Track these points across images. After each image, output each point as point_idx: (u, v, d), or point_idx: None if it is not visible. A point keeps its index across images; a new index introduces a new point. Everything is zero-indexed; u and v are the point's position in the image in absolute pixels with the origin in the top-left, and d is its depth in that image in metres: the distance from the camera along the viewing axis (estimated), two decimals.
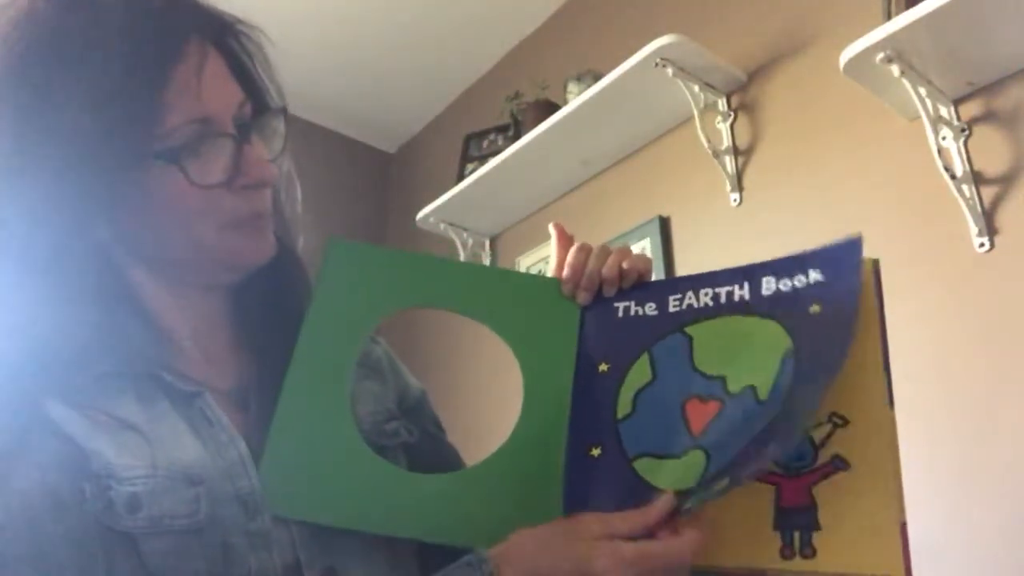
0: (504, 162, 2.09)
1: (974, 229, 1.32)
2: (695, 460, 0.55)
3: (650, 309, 0.64)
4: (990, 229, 1.31)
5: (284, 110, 0.64)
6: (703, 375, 0.59)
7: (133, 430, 0.53)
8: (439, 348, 2.42)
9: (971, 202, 1.32)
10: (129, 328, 0.58)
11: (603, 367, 0.62)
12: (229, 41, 0.62)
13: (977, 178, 1.35)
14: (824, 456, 0.55)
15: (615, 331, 0.64)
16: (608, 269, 0.65)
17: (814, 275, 0.60)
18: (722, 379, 0.58)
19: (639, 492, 0.55)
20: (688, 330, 0.61)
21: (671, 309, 0.63)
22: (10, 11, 0.55)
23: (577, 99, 1.88)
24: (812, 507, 0.54)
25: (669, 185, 1.90)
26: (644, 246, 1.88)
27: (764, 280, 0.62)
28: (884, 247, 1.43)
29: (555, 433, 0.60)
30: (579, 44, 2.30)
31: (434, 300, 0.67)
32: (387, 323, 0.68)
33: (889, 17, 1.32)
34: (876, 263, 0.60)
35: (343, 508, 0.57)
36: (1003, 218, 1.31)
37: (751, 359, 0.58)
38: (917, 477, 1.31)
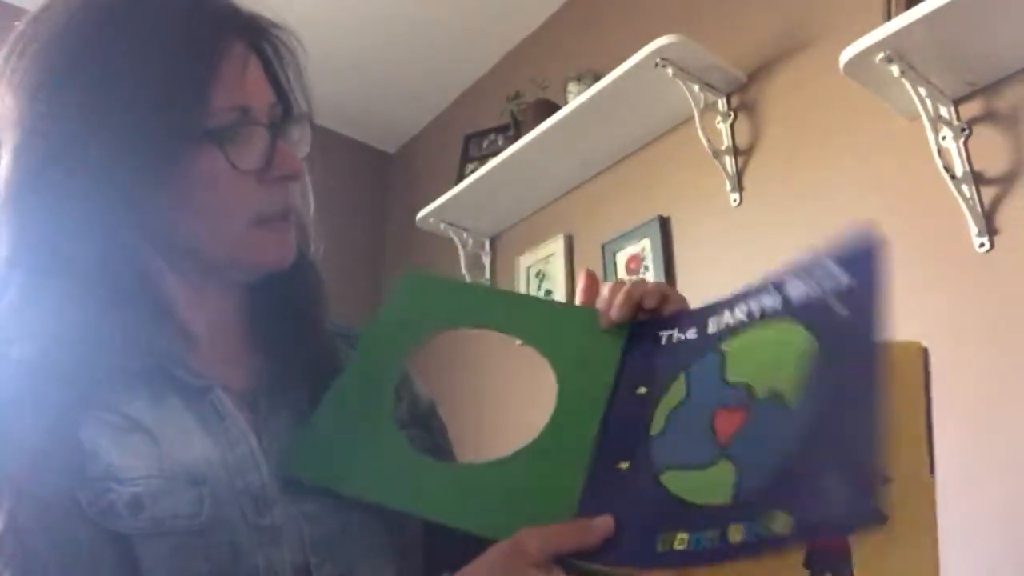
0: (504, 162, 2.08)
1: (974, 229, 1.31)
2: (722, 471, 0.53)
3: (691, 334, 0.64)
4: (990, 229, 1.31)
5: (309, 117, 0.66)
6: (731, 385, 0.58)
7: (140, 428, 0.53)
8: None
9: (971, 202, 1.32)
10: (144, 321, 0.57)
11: (642, 390, 0.62)
12: (264, 44, 0.64)
13: (977, 178, 1.35)
14: None
15: (656, 357, 0.64)
16: (649, 296, 0.65)
17: (843, 278, 0.60)
18: (748, 387, 0.57)
19: (661, 503, 0.53)
20: (722, 346, 0.61)
21: (710, 331, 0.63)
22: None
23: (577, 99, 1.88)
24: (847, 552, 0.53)
25: (669, 185, 1.90)
26: (644, 246, 1.88)
27: (792, 287, 0.61)
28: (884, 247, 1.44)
29: (581, 445, 0.59)
30: (579, 44, 2.30)
31: (483, 322, 0.72)
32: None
33: (889, 17, 1.32)
34: (926, 352, 0.62)
35: (363, 480, 0.60)
36: (1003, 218, 1.31)
37: (777, 366, 0.57)
38: None
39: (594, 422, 0.61)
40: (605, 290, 0.67)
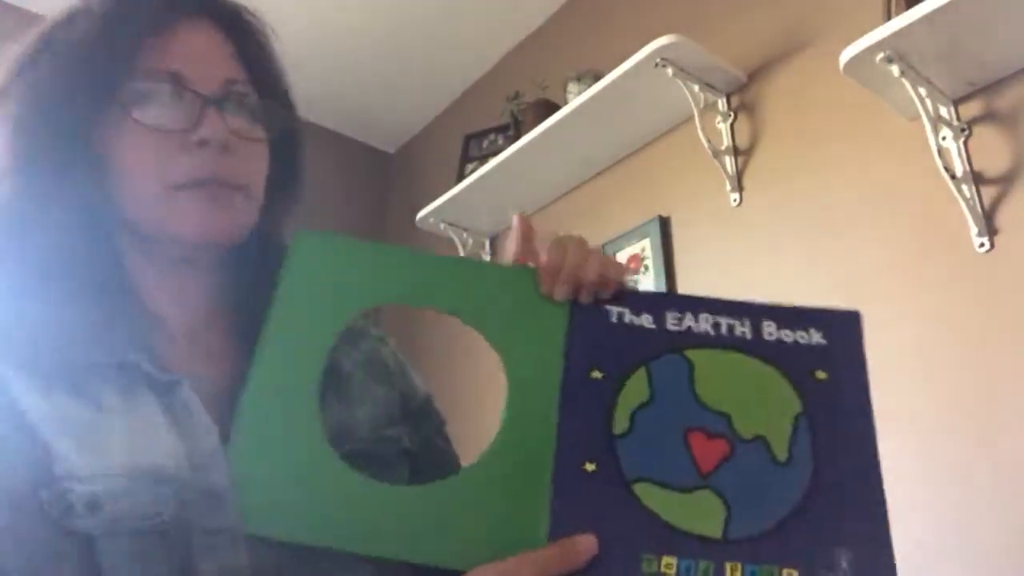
0: (504, 162, 2.09)
1: (974, 229, 1.32)
2: (711, 504, 0.53)
3: (647, 321, 0.61)
4: (990, 229, 1.31)
5: (274, 98, 0.66)
6: (705, 407, 0.57)
7: (105, 426, 0.53)
8: (442, 347, 2.42)
9: (971, 202, 1.32)
10: (118, 314, 0.57)
11: (596, 374, 0.59)
12: (236, 29, 0.66)
13: (977, 178, 1.35)
14: None
15: (609, 337, 0.60)
16: (590, 272, 0.60)
17: (816, 336, 0.60)
18: (727, 417, 0.56)
19: (643, 521, 0.52)
20: (688, 354, 0.59)
21: (670, 327, 0.61)
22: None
23: (577, 99, 1.88)
24: None
25: (669, 185, 1.90)
26: (644, 246, 1.88)
27: (765, 324, 0.61)
28: (884, 247, 1.44)
29: (542, 442, 0.56)
30: (579, 44, 2.30)
31: (410, 296, 0.63)
32: (393, 323, 0.67)
33: (889, 17, 1.32)
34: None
35: (316, 524, 0.53)
36: (1003, 218, 1.31)
37: (757, 404, 0.57)
38: (916, 478, 1.32)
39: (551, 411, 0.57)
40: (543, 254, 0.61)
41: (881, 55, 1.31)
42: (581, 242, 0.62)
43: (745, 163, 1.75)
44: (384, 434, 0.65)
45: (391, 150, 3.15)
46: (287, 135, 0.69)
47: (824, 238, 1.54)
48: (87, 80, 0.59)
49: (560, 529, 0.52)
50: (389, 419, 0.67)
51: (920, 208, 1.40)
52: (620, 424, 0.56)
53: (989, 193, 1.33)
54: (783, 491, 0.54)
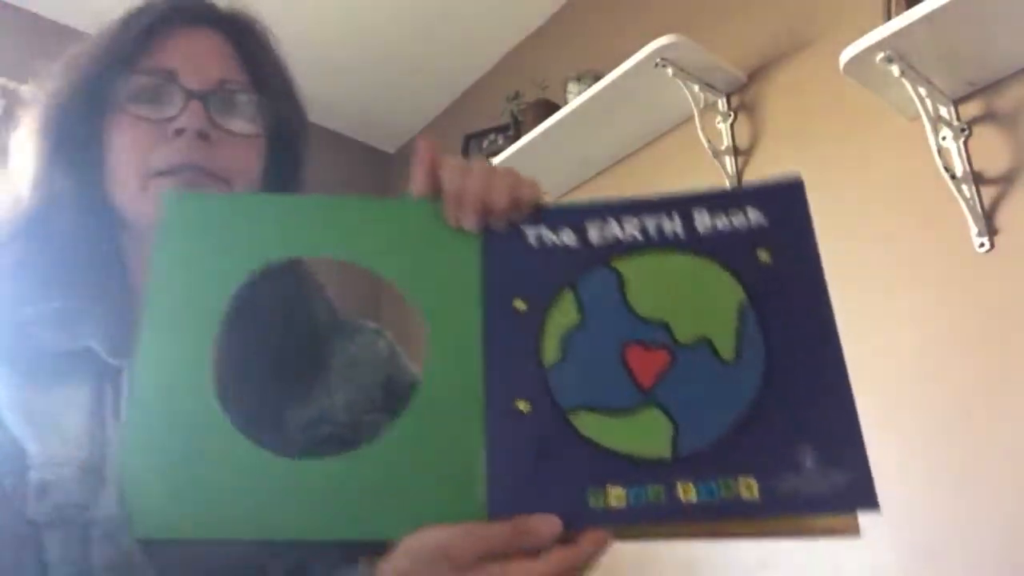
0: (504, 162, 2.09)
1: (974, 229, 1.32)
2: (655, 421, 0.49)
3: (568, 238, 0.55)
4: (990, 229, 1.32)
5: (274, 97, 0.68)
6: (640, 318, 0.52)
7: (59, 414, 0.54)
8: None
9: (971, 202, 1.32)
10: (97, 304, 0.59)
11: (518, 304, 0.53)
12: (238, 31, 0.69)
13: (977, 178, 1.35)
14: None
15: (528, 262, 0.55)
16: (498, 195, 0.54)
17: (754, 216, 0.54)
18: (665, 325, 0.52)
19: (584, 455, 0.49)
20: (615, 264, 0.54)
21: (593, 239, 0.55)
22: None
23: (577, 99, 1.88)
24: None
25: (669, 185, 1.90)
26: None
27: (696, 215, 0.55)
28: (884, 247, 1.44)
29: (469, 387, 0.51)
30: (579, 44, 2.30)
31: (304, 247, 0.58)
32: (394, 317, 0.66)
33: (889, 17, 1.32)
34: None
35: (219, 517, 0.48)
36: (1003, 218, 1.31)
37: (696, 304, 0.52)
38: (916, 477, 1.32)
39: (475, 352, 0.52)
40: (448, 179, 0.55)
41: (881, 55, 1.31)
42: (485, 165, 0.57)
43: (745, 163, 1.75)
44: (363, 419, 0.65)
45: (391, 150, 3.15)
46: (286, 134, 0.69)
47: (824, 238, 1.53)
48: (96, 85, 0.63)
49: (497, 480, 0.48)
50: (370, 404, 0.67)
51: (920, 208, 1.40)
52: (550, 354, 0.52)
53: (989, 193, 1.33)
54: (734, 393, 0.49)
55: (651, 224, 0.55)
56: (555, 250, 0.55)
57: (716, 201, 0.55)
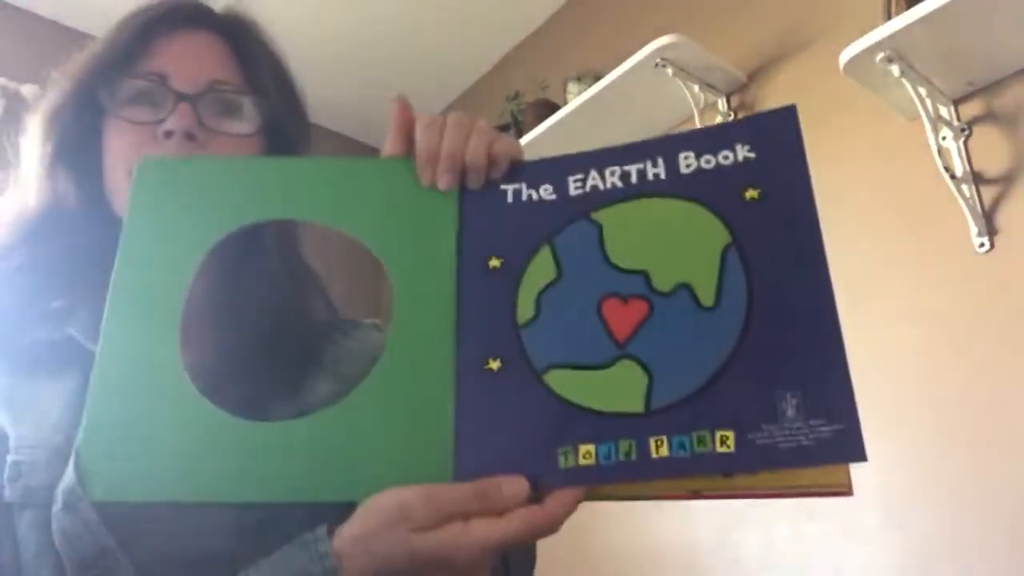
0: None
1: (974, 229, 1.32)
2: (630, 375, 0.46)
3: (546, 193, 0.53)
4: (990, 229, 1.32)
5: (271, 99, 0.68)
6: (619, 269, 0.50)
7: (38, 399, 0.55)
8: None
9: (971, 202, 1.32)
10: (90, 298, 0.59)
11: (494, 262, 0.51)
12: (235, 33, 0.69)
13: (977, 178, 1.35)
14: None
15: (505, 219, 0.53)
16: (474, 152, 0.53)
17: (743, 151, 0.50)
18: (643, 274, 0.49)
19: (556, 413, 0.46)
20: (595, 216, 0.52)
21: (572, 192, 0.53)
22: None
23: (577, 99, 1.88)
24: None
25: None
26: None
27: (682, 156, 0.52)
28: (884, 247, 1.44)
29: (439, 346, 0.49)
30: (579, 44, 2.30)
31: (275, 209, 0.56)
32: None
33: (889, 17, 1.32)
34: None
35: (177, 478, 0.47)
36: (1003, 218, 1.31)
37: (677, 250, 0.49)
38: (916, 477, 1.32)
39: (448, 311, 0.50)
40: (420, 137, 0.54)
41: (881, 55, 1.31)
42: (460, 120, 0.55)
43: None
44: None
45: None
46: (284, 133, 0.69)
47: (824, 238, 1.54)
48: (93, 90, 0.64)
49: (465, 440, 0.47)
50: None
51: (920, 208, 1.40)
52: (524, 312, 0.50)
53: (989, 193, 1.33)
54: (712, 340, 0.46)
55: (633, 171, 0.52)
56: (533, 206, 0.53)
57: (702, 140, 0.52)
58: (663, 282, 0.48)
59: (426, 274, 0.51)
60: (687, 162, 0.51)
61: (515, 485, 0.44)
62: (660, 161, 0.52)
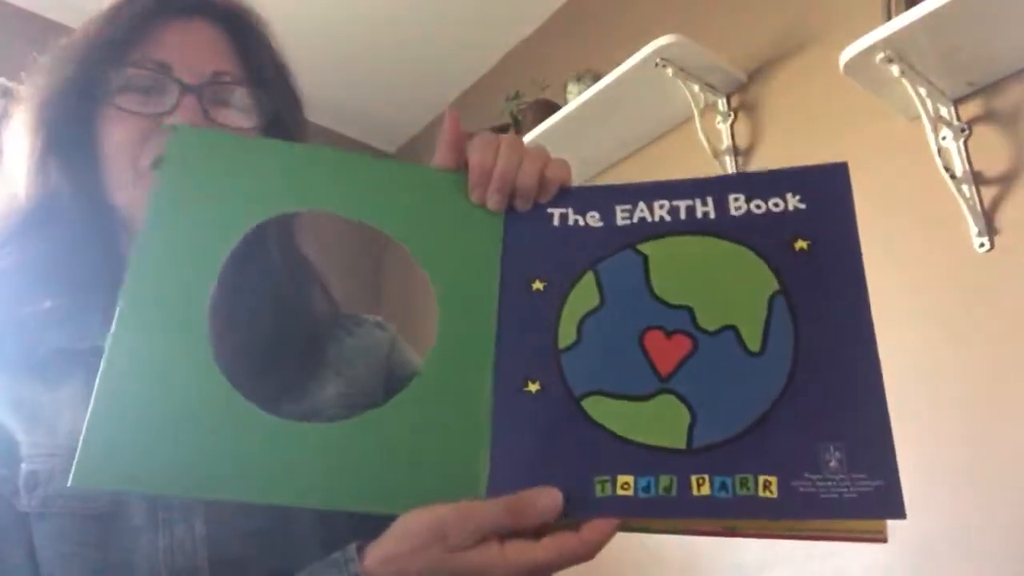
0: None
1: (974, 229, 1.32)
2: (672, 410, 0.47)
3: (593, 220, 0.53)
4: (990, 229, 1.31)
5: (270, 91, 0.68)
6: (663, 303, 0.50)
7: (57, 409, 0.54)
8: None
9: (971, 202, 1.32)
10: (100, 301, 0.58)
11: (537, 285, 0.52)
12: (234, 24, 0.68)
13: (977, 178, 1.35)
14: None
15: (551, 243, 0.53)
16: (526, 176, 0.53)
17: (793, 201, 0.51)
18: (689, 310, 0.49)
19: (594, 440, 0.46)
20: (641, 247, 0.52)
21: (619, 222, 0.53)
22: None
23: (577, 99, 1.87)
24: None
25: None
26: None
27: (732, 198, 0.52)
28: (884, 247, 1.44)
29: (478, 364, 0.49)
30: (579, 44, 2.30)
31: (313, 199, 0.54)
32: (393, 308, 0.65)
33: (889, 17, 1.32)
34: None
35: (199, 473, 0.44)
36: (1003, 218, 1.31)
37: (724, 291, 0.50)
38: (917, 477, 1.31)
39: (489, 330, 0.50)
40: (475, 155, 0.53)
41: (881, 55, 1.31)
42: (514, 141, 0.55)
43: (745, 163, 1.75)
44: (358, 413, 0.66)
45: (391, 150, 3.15)
46: (283, 127, 0.69)
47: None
48: (86, 78, 0.62)
49: (500, 460, 0.46)
50: (366, 398, 0.67)
51: (920, 208, 1.40)
52: (566, 336, 0.50)
53: (989, 193, 1.33)
54: (758, 385, 0.46)
55: (682, 206, 0.53)
56: (579, 232, 0.53)
57: (753, 184, 0.53)
58: (709, 321, 0.49)
59: (469, 290, 0.51)
60: (736, 204, 0.52)
61: (549, 498, 0.44)
62: (710, 200, 0.53)
